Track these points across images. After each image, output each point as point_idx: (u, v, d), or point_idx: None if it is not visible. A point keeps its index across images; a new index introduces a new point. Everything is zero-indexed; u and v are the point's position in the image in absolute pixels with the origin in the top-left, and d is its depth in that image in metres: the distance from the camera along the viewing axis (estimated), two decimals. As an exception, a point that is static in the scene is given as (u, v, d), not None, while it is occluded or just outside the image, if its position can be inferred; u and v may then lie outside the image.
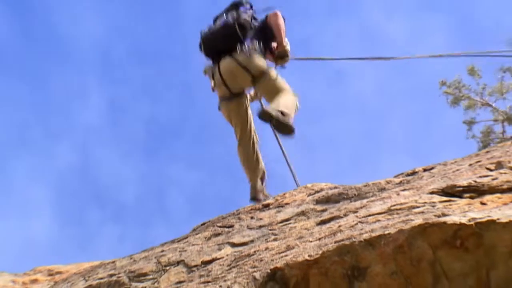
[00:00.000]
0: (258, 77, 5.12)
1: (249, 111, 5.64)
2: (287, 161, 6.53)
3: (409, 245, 3.35)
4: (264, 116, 5.07)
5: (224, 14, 5.56)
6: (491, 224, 3.26)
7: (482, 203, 3.83)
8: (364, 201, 4.77)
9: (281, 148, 6.46)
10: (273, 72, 5.35)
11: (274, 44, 5.59)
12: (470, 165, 4.65)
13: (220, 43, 5.21)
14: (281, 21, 5.33)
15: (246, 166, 5.66)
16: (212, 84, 5.62)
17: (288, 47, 5.81)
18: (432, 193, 4.17)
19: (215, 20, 5.71)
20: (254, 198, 5.38)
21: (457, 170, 4.66)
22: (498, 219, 3.27)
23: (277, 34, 5.32)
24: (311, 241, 3.87)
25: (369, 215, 4.10)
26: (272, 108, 4.98)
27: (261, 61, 5.21)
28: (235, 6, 5.57)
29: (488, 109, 14.56)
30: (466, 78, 16.56)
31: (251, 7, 5.66)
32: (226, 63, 5.19)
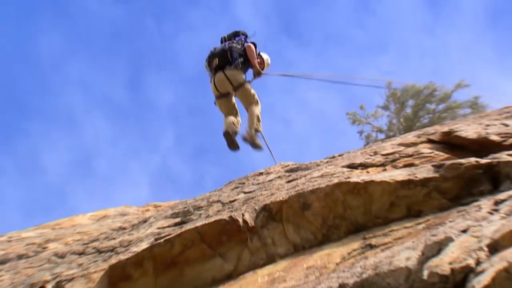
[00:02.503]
0: (237, 87, 4.44)
1: (233, 102, 4.77)
2: (271, 152, 6.37)
3: (331, 192, 3.38)
4: (245, 140, 4.59)
5: (226, 38, 4.70)
6: (372, 182, 3.32)
7: (367, 172, 3.91)
8: (309, 171, 4.77)
9: (268, 148, 6.11)
10: (247, 85, 4.53)
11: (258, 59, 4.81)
12: (361, 153, 4.74)
13: (216, 61, 4.44)
14: (251, 50, 4.49)
15: (226, 124, 4.94)
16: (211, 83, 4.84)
17: (264, 65, 4.93)
18: (343, 167, 4.22)
19: (221, 40, 4.80)
20: (226, 132, 4.68)
21: (355, 155, 4.74)
22: (375, 179, 3.35)
23: (251, 60, 4.52)
24: (283, 191, 3.90)
25: (312, 178, 4.11)
26: (250, 135, 4.47)
27: (240, 77, 4.47)
28: (234, 35, 4.71)
29: (369, 126, 14.76)
30: (359, 110, 16.60)
31: (246, 36, 4.77)
32: (218, 75, 4.44)
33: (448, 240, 2.02)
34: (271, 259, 3.30)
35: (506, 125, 3.60)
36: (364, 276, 2.22)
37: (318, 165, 5.15)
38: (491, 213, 2.30)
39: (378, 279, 2.14)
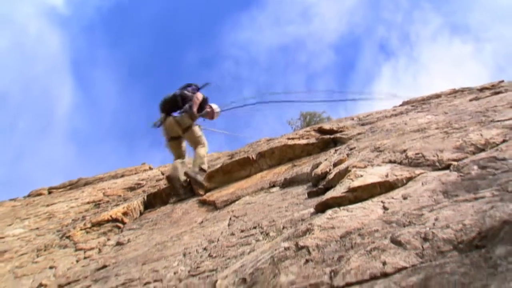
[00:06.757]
0: (185, 130, 2.42)
1: (183, 146, 2.60)
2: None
3: (281, 148, 3.01)
4: (186, 176, 2.45)
5: (179, 89, 2.56)
6: (295, 144, 3.00)
7: (293, 140, 3.33)
8: (274, 140, 3.84)
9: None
10: (195, 127, 2.49)
11: (207, 108, 2.70)
12: (291, 134, 3.97)
13: (168, 106, 2.42)
14: (196, 98, 2.41)
15: (171, 168, 2.67)
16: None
17: (213, 113, 2.73)
18: (286, 139, 3.44)
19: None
20: (168, 177, 2.46)
21: (290, 135, 3.93)
22: (296, 143, 3.06)
23: (194, 106, 2.42)
24: (265, 147, 3.31)
25: (274, 142, 3.43)
26: (192, 172, 2.44)
27: (187, 120, 2.42)
28: (186, 86, 2.55)
29: (294, 125, 11.01)
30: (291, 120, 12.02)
31: (197, 87, 2.57)
32: (168, 120, 2.41)
33: (320, 162, 2.01)
34: (261, 170, 3.02)
35: (338, 125, 3.96)
36: (293, 175, 2.21)
37: (277, 138, 4.33)
38: (334, 153, 2.25)
39: (298, 176, 2.13)
